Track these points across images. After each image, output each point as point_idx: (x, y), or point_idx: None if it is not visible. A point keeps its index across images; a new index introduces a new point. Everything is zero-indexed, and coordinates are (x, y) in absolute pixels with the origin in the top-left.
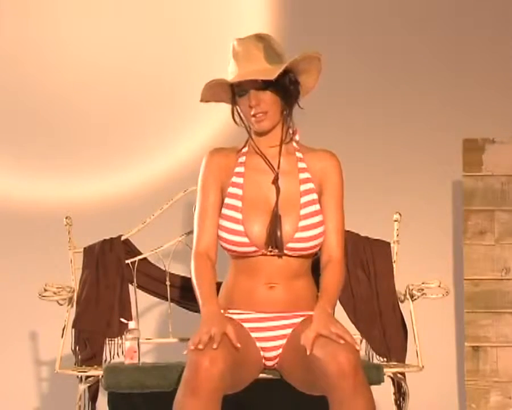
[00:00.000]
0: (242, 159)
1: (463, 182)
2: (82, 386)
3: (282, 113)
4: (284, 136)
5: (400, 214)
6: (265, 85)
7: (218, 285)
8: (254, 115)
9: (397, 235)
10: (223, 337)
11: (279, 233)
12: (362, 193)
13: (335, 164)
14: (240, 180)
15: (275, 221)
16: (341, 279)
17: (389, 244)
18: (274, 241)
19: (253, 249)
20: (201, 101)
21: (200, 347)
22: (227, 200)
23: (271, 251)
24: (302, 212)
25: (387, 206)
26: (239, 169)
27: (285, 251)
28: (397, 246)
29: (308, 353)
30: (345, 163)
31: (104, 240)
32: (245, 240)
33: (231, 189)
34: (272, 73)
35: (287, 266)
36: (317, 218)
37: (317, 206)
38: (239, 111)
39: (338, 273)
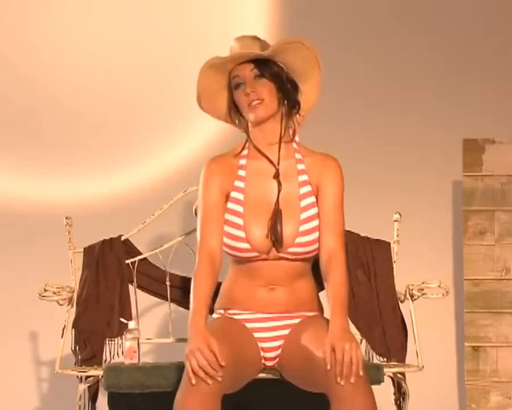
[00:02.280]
0: (243, 161)
1: (463, 182)
2: (82, 386)
3: (279, 106)
4: (283, 132)
5: (400, 214)
6: (261, 73)
7: (218, 285)
8: (249, 104)
9: (397, 235)
10: (221, 337)
11: (279, 228)
12: (362, 193)
13: (335, 167)
14: (241, 184)
15: (276, 216)
16: (346, 277)
17: (389, 244)
18: (275, 236)
19: (254, 254)
20: (198, 96)
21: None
22: (229, 205)
23: (275, 250)
24: (303, 216)
25: (387, 206)
26: (241, 172)
27: (286, 256)
28: (397, 246)
29: (328, 367)
30: (345, 163)
31: (104, 240)
32: (246, 245)
33: (233, 194)
34: (267, 53)
35: (287, 269)
36: (316, 222)
37: (315, 210)
38: (238, 116)
39: (342, 271)
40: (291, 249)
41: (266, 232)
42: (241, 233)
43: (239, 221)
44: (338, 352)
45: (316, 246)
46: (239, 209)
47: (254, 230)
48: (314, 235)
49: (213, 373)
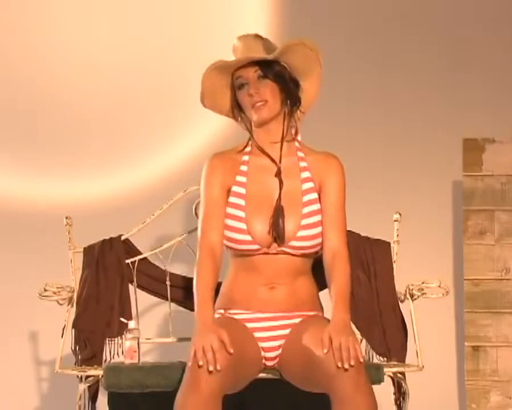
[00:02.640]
0: (245, 157)
1: (463, 182)
2: (82, 386)
3: (282, 106)
4: (285, 132)
5: (400, 214)
6: (264, 74)
7: (219, 284)
8: (253, 105)
9: (397, 235)
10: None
11: (281, 224)
12: (362, 193)
13: (337, 165)
14: (243, 179)
15: (277, 212)
16: (349, 275)
17: (389, 244)
18: (277, 232)
19: (255, 247)
20: (202, 95)
21: (201, 363)
22: (231, 199)
23: (276, 244)
24: (304, 210)
25: (387, 206)
26: (243, 168)
27: (287, 250)
28: (397, 246)
29: (325, 351)
30: (345, 163)
31: (104, 239)
32: (248, 238)
33: (235, 188)
34: (271, 57)
35: (288, 266)
36: (318, 217)
37: (318, 205)
38: (241, 114)
39: (345, 269)
40: (292, 243)
41: (268, 227)
42: (242, 225)
43: (241, 213)
44: (335, 342)
45: (317, 241)
46: (241, 202)
47: (256, 223)
48: (316, 230)
49: (214, 365)
